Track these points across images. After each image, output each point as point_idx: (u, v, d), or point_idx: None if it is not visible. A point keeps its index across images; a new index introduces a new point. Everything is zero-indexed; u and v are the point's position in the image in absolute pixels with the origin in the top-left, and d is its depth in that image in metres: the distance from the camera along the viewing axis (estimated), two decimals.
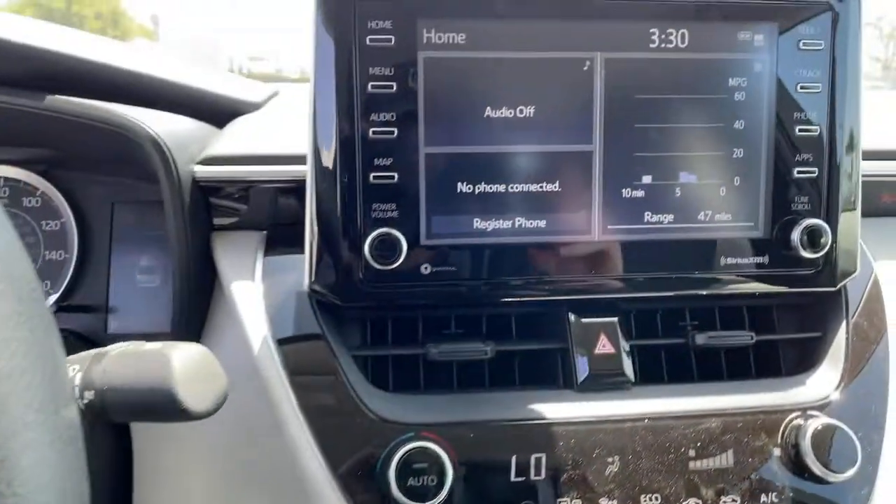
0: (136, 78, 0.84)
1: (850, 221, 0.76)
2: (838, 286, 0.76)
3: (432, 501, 0.61)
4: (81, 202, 0.91)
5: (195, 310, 0.80)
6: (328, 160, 0.69)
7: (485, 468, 0.65)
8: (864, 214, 0.94)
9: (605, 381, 0.72)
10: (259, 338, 0.72)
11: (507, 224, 0.72)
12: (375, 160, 0.69)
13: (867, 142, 0.93)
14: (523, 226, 0.72)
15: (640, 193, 0.73)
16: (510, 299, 0.73)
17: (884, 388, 0.74)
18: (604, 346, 0.73)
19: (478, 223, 0.72)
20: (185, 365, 0.46)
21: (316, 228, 0.69)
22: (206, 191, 0.80)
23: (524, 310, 0.79)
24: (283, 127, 0.92)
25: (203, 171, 0.78)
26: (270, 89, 1.06)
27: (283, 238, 0.81)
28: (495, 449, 0.66)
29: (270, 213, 0.81)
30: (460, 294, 0.72)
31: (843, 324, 0.77)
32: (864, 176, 0.92)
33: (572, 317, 0.74)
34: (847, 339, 0.76)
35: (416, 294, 0.71)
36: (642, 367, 0.77)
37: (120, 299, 0.90)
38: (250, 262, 0.78)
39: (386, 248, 0.68)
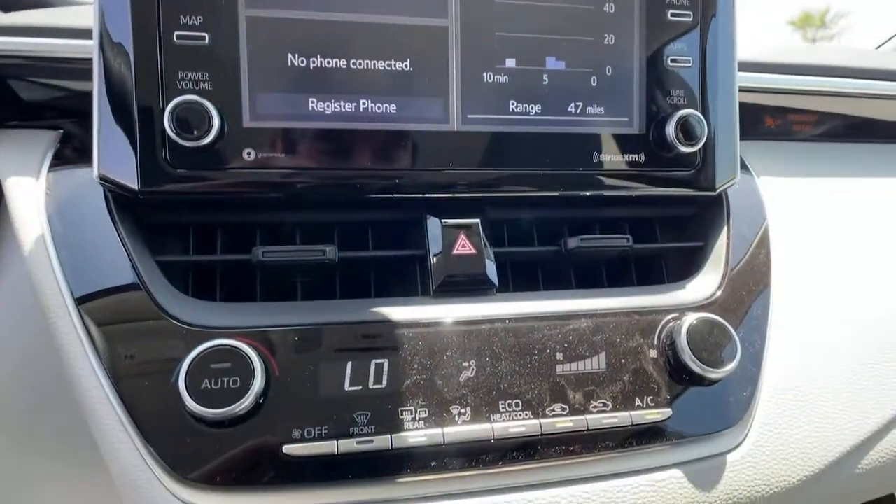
0: None
1: (728, 116, 0.70)
2: (718, 190, 0.70)
3: (232, 407, 0.48)
4: None
5: None
6: (119, 10, 0.56)
7: (310, 376, 0.53)
8: (749, 138, 0.91)
9: (465, 285, 0.62)
10: (32, 240, 0.57)
11: (350, 107, 0.61)
12: (181, 16, 0.57)
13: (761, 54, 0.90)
14: (370, 109, 0.62)
15: (503, 79, 0.65)
16: (353, 193, 0.62)
17: (766, 293, 0.68)
18: (463, 247, 0.63)
19: (314, 104, 0.60)
20: None
21: (105, 98, 0.56)
22: None
23: (378, 216, 0.68)
24: None
25: None
26: None
27: (82, 137, 0.66)
28: (325, 355, 0.54)
29: (61, 103, 0.66)
30: (290, 186, 0.60)
31: (724, 231, 0.72)
32: (750, 95, 0.89)
33: (431, 220, 0.64)
34: (728, 244, 0.70)
35: (233, 183, 0.58)
36: (517, 281, 0.68)
37: None
38: (36, 161, 0.63)
39: (192, 117, 0.55)
